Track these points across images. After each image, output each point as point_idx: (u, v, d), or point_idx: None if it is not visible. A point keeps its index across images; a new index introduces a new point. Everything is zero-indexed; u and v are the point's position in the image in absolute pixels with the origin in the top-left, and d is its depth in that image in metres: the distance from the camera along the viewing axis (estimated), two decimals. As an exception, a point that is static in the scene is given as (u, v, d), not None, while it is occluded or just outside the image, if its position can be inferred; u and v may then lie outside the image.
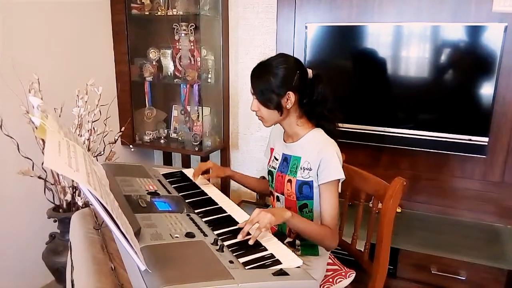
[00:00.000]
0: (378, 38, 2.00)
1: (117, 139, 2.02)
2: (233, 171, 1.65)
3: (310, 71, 1.36)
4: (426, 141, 1.96)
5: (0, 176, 1.84)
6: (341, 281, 1.47)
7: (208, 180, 1.56)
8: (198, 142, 2.38)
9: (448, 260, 1.78)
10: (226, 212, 1.28)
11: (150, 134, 2.53)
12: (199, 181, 1.52)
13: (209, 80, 2.40)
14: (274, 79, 1.28)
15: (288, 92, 1.29)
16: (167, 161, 2.80)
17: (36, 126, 0.90)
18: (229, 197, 1.43)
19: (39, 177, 1.79)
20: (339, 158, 1.30)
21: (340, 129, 1.40)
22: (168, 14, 2.28)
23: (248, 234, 1.10)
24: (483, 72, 1.82)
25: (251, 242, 1.07)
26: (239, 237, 1.08)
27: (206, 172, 1.57)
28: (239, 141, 2.59)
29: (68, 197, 1.83)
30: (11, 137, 1.70)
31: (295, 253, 1.07)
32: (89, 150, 1.86)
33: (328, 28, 2.08)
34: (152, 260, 0.87)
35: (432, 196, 2.13)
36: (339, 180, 1.31)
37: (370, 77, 2.06)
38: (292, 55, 1.38)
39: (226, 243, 1.05)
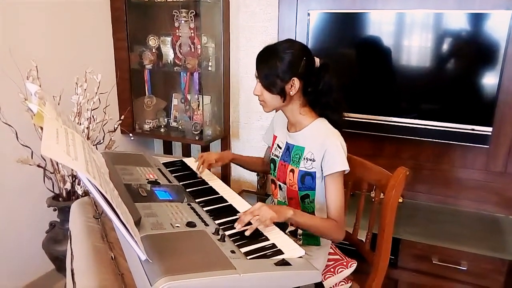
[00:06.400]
0: (381, 25, 1.97)
1: (116, 128, 2.00)
2: (234, 154, 1.62)
3: (317, 60, 1.34)
4: (429, 131, 1.94)
5: (-1, 165, 1.83)
6: (342, 271, 1.47)
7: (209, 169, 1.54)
8: (199, 131, 2.36)
9: (450, 250, 1.78)
10: (227, 202, 1.27)
11: (150, 122, 2.51)
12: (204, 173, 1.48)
13: (209, 68, 2.37)
14: (279, 64, 1.25)
15: (293, 78, 1.26)
16: (167, 150, 2.79)
17: (34, 113, 0.88)
18: (229, 186, 1.41)
19: (39, 166, 1.78)
20: (343, 149, 1.28)
21: (346, 119, 1.38)
22: (168, 0, 2.25)
23: (248, 224, 1.08)
24: (487, 61, 1.79)
25: (247, 233, 1.05)
26: (238, 227, 1.07)
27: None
28: (240, 130, 2.57)
29: (68, 185, 1.82)
30: (9, 125, 1.68)
31: (296, 242, 1.06)
32: (88, 138, 1.85)
33: (331, 15, 2.04)
34: (153, 250, 0.86)
35: (434, 186, 2.12)
36: (344, 171, 1.29)
37: (373, 65, 2.03)
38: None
39: (227, 232, 1.05)
